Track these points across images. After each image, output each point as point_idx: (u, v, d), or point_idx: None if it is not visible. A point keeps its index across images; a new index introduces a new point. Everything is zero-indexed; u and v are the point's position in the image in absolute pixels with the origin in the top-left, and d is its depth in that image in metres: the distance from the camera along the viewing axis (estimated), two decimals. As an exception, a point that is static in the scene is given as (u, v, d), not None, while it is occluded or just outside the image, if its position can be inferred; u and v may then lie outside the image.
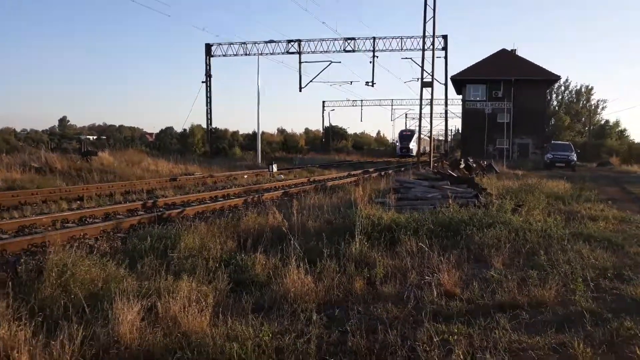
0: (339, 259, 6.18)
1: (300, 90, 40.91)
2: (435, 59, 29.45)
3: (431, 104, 30.87)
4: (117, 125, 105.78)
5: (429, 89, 29.54)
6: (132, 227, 9.57)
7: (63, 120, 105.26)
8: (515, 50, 51.34)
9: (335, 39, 38.22)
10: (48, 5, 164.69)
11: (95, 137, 76.08)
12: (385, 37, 37.79)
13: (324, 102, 72.35)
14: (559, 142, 41.96)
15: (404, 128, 71.49)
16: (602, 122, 69.10)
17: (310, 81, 40.93)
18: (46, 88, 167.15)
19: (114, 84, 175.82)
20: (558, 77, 51.22)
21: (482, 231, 7.72)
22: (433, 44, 29.47)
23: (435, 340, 4.00)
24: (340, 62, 41.48)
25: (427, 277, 5.65)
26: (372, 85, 39.52)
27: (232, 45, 39.96)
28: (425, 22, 27.94)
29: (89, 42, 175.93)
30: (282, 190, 17.03)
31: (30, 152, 24.26)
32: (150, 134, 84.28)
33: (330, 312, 4.83)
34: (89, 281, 5.23)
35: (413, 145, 57.86)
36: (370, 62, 37.98)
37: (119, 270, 5.60)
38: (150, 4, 63.49)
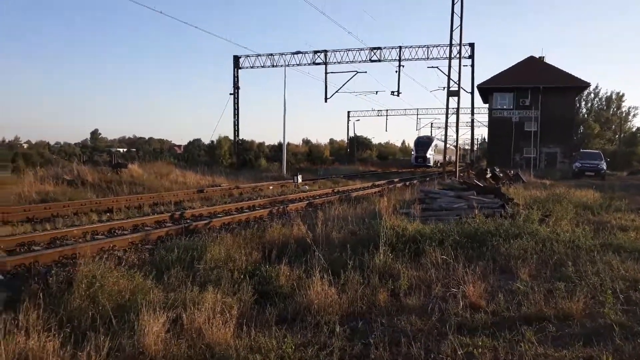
0: (362, 271, 6.18)
1: (325, 101, 41.07)
2: (461, 67, 29.25)
3: (457, 113, 30.65)
4: (147, 138, 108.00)
5: (455, 98, 29.31)
6: (160, 239, 9.75)
7: (95, 133, 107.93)
8: (543, 57, 50.66)
9: (361, 49, 38.30)
10: (82, 18, 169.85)
11: (125, 150, 77.75)
12: (411, 46, 37.63)
13: (349, 112, 72.40)
14: (588, 150, 41.07)
15: (421, 135, 62.77)
16: (634, 129, 67.51)
17: (336, 91, 41.09)
18: (79, 101, 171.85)
19: (144, 97, 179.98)
20: (587, 84, 50.24)
21: (508, 242, 7.61)
22: (460, 52, 29.29)
23: (459, 353, 3.96)
24: (366, 72, 41.30)
25: (452, 289, 5.60)
26: (398, 95, 39.34)
27: (259, 57, 40.43)
28: (452, 31, 27.82)
29: (121, 56, 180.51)
30: (307, 201, 17.08)
31: (63, 165, 24.92)
32: (179, 146, 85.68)
33: (354, 324, 4.82)
34: (116, 292, 5.32)
35: (430, 154, 54.15)
36: (396, 71, 37.85)
37: (146, 282, 5.69)
38: (180, 17, 64.64)
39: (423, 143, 56.10)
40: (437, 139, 62.48)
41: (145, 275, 5.90)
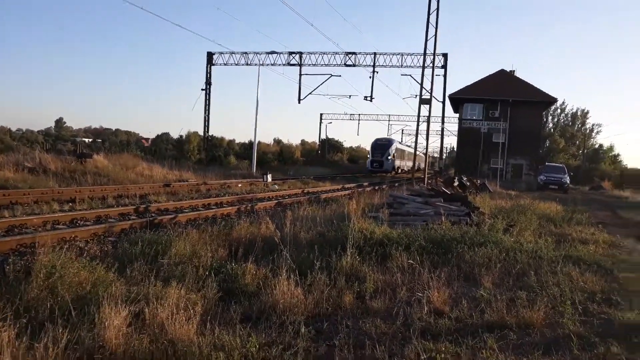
0: (330, 272, 6.17)
1: (299, 102, 41.12)
2: (434, 76, 29.69)
3: (428, 121, 31.06)
4: (114, 129, 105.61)
5: (427, 106, 29.71)
6: (124, 231, 9.52)
7: (59, 122, 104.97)
8: (514, 71, 51.82)
9: (337, 53, 38.46)
10: (47, 6, 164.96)
11: (90, 140, 75.89)
12: (386, 53, 38.03)
13: (321, 114, 72.44)
14: (553, 164, 42.23)
15: (380, 137, 53.79)
16: (597, 146, 69.81)
17: (310, 93, 41.12)
18: (44, 89, 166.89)
19: (111, 88, 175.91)
20: (555, 100, 51.72)
21: (473, 250, 7.73)
22: (433, 62, 29.74)
23: (422, 358, 4.00)
24: (340, 75, 41.33)
25: (417, 294, 5.65)
26: (371, 100, 39.67)
27: (233, 55, 40.14)
28: (426, 40, 28.22)
29: (88, 44, 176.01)
30: (276, 201, 17.01)
31: (25, 152, 24.12)
32: (146, 139, 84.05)
33: (319, 325, 4.82)
34: (77, 284, 5.18)
35: (389, 158, 48.27)
36: (370, 77, 38.16)
37: (108, 274, 5.55)
38: (153, 9, 63.46)
39: (381, 146, 49.29)
40: (400, 142, 58.91)
41: (107, 268, 5.75)
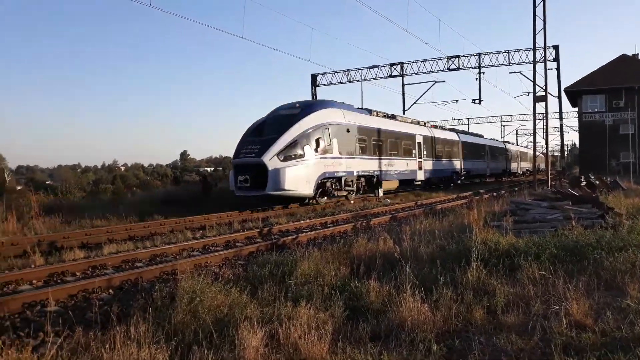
0: (455, 287, 6.03)
1: (404, 113, 40.59)
2: (547, 71, 27.89)
3: (546, 118, 29.18)
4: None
5: (542, 103, 27.96)
6: (251, 254, 10.08)
7: (184, 154, 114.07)
8: (637, 54, 47.13)
9: (439, 58, 37.62)
10: (170, 47, 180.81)
11: (212, 169, 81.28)
12: (491, 53, 36.46)
13: (427, 122, 71.17)
14: None
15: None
16: None
17: (414, 102, 40.52)
18: (170, 125, 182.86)
19: (230, 118, 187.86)
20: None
21: (612, 255, 7.10)
22: (545, 56, 27.97)
23: (567, 375, 3.75)
24: (444, 81, 40.28)
25: (553, 307, 5.31)
26: (479, 103, 38.13)
27: (336, 74, 40.94)
28: (535, 34, 26.67)
29: (209, 84, 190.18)
30: (390, 215, 16.95)
31: (157, 186, 26.51)
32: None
33: (450, 342, 4.71)
34: (215, 307, 5.57)
35: (274, 160, 18.56)
36: (476, 78, 36.77)
37: (242, 297, 5.91)
38: (261, 41, 67.15)
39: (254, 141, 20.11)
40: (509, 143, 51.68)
41: (240, 291, 6.12)
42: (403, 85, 39.37)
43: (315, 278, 6.78)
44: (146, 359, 4.20)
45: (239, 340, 4.48)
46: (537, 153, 31.85)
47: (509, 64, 35.93)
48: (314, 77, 42.14)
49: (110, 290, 7.56)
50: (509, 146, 57.14)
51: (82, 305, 6.81)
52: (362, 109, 26.86)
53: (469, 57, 36.93)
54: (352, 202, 23.28)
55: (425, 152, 31.13)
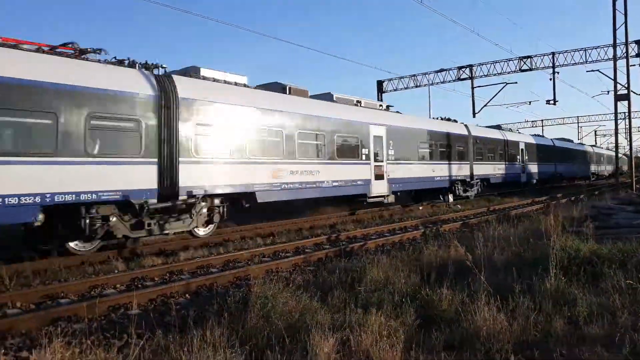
0: (532, 296, 5.78)
1: (474, 116, 39.49)
2: (629, 67, 26.22)
3: (629, 117, 27.43)
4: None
5: (625, 102, 26.30)
6: (320, 260, 10.17)
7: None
8: None
9: (510, 59, 36.30)
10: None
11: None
12: (566, 51, 34.73)
13: (499, 125, 68.91)
14: None
15: None
16: None
17: (485, 105, 39.38)
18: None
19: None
20: None
21: None
22: (626, 51, 26.34)
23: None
24: (516, 82, 38.80)
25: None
26: (554, 103, 36.43)
27: (402, 79, 40.55)
28: (615, 30, 25.18)
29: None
30: (461, 222, 16.53)
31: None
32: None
33: (529, 353, 4.51)
34: (286, 313, 5.65)
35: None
36: (550, 78, 35.17)
37: (312, 303, 5.96)
38: (329, 51, 67.94)
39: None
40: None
41: (310, 297, 6.18)
42: (472, 88, 38.35)
43: (384, 285, 6.74)
44: (232, 363, 4.33)
45: (311, 346, 4.52)
46: (620, 154, 29.98)
47: (586, 62, 34.07)
48: (379, 83, 41.98)
49: (187, 295, 7.88)
50: (586, 148, 54.45)
51: (161, 309, 7.13)
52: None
53: (541, 57, 35.38)
54: (421, 208, 22.90)
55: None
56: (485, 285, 5.90)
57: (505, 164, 31.01)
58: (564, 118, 66.89)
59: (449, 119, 27.70)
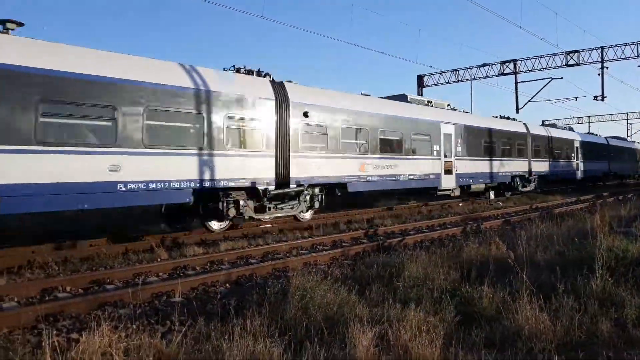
0: (577, 296, 5.63)
1: (517, 112, 38.47)
2: (684, 62, 25.00)
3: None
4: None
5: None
6: (357, 255, 10.18)
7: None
8: None
9: (556, 54, 35.17)
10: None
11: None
12: (615, 45, 33.37)
13: (543, 121, 66.90)
14: None
15: None
16: None
17: (529, 101, 38.32)
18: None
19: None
20: None
21: None
22: (681, 45, 25.13)
23: None
24: (562, 77, 37.57)
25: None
26: (602, 99, 35.11)
27: (443, 74, 39.89)
28: (669, 22, 24.05)
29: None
30: (503, 219, 16.20)
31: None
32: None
33: (573, 354, 4.41)
34: (325, 305, 5.70)
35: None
36: (599, 74, 33.91)
37: (350, 296, 6.00)
38: (366, 44, 67.61)
39: None
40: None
41: (349, 290, 6.22)
42: (516, 83, 37.37)
43: (424, 281, 6.71)
44: (262, 352, 4.41)
45: (349, 338, 4.55)
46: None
47: (638, 56, 32.70)
48: (420, 78, 41.45)
49: (227, 284, 8.03)
50: (637, 146, 52.53)
51: (202, 297, 7.30)
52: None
53: (589, 52, 34.14)
54: (460, 204, 22.56)
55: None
56: (527, 284, 5.79)
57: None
58: (612, 114, 64.38)
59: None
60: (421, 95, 38.61)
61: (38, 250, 10.35)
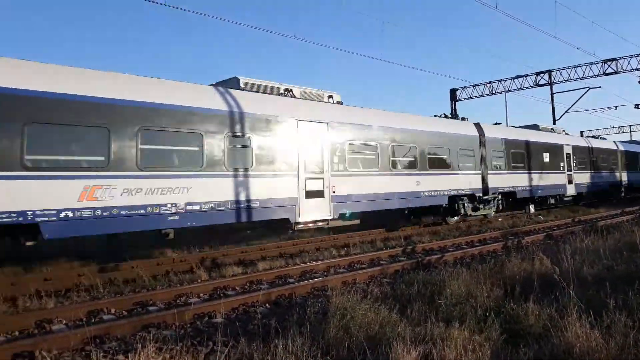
0: (630, 312, 5.40)
1: (554, 123, 37.77)
2: None
3: None
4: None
5: None
6: (396, 273, 10.07)
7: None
8: None
9: (593, 63, 34.40)
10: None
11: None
12: (656, 51, 32.51)
13: (582, 132, 65.16)
14: None
15: None
16: None
17: (566, 111, 37.64)
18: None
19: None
20: None
21: None
22: None
23: None
24: (600, 87, 36.81)
25: None
26: (644, 107, 34.15)
27: (477, 87, 39.52)
28: None
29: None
30: (544, 233, 15.77)
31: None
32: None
33: (629, 374, 4.23)
34: (366, 324, 5.64)
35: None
36: (639, 82, 33.02)
37: (391, 315, 5.92)
38: (400, 61, 67.55)
39: None
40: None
41: (389, 309, 6.14)
42: (552, 94, 36.75)
43: (466, 299, 6.56)
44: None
45: (392, 358, 4.49)
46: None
47: (680, 61, 31.62)
48: (453, 92, 41.12)
49: (267, 304, 8.06)
50: None
51: (243, 317, 7.34)
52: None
53: (628, 59, 33.25)
54: (500, 219, 22.09)
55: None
56: (575, 300, 5.60)
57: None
58: (655, 122, 62.08)
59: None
60: (454, 110, 38.29)
61: (81, 270, 10.66)
